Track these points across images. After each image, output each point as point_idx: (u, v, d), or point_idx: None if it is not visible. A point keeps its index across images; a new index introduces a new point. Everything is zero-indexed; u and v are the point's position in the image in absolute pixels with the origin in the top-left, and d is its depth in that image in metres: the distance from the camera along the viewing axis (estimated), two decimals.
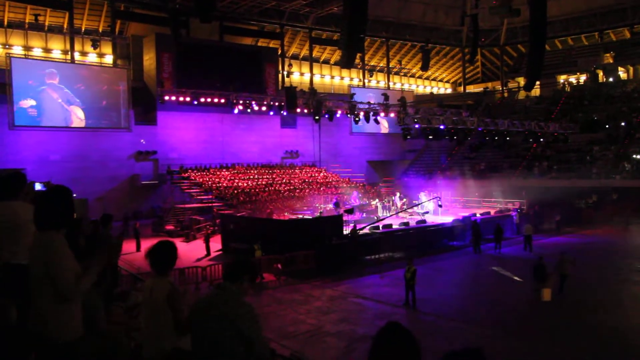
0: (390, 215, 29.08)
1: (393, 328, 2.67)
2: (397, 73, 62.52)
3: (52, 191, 3.99)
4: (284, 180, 39.82)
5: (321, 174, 43.97)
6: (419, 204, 32.09)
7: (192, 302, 4.13)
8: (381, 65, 58.23)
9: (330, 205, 32.37)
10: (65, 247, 3.66)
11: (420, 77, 66.71)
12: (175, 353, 4.06)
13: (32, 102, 34.60)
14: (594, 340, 12.60)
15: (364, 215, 29.85)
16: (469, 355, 2.44)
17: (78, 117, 36.48)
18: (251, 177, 39.30)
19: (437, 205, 31.06)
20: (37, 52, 39.72)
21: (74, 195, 4.00)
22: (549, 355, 11.91)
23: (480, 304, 16.25)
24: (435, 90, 68.06)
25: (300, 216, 29.67)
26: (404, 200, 33.66)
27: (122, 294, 6.99)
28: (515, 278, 19.57)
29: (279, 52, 48.83)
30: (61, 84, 35.67)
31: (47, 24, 38.95)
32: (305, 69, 53.80)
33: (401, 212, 31.21)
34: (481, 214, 30.62)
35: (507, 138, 39.84)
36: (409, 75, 65.43)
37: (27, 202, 4.68)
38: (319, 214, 27.99)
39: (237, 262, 4.01)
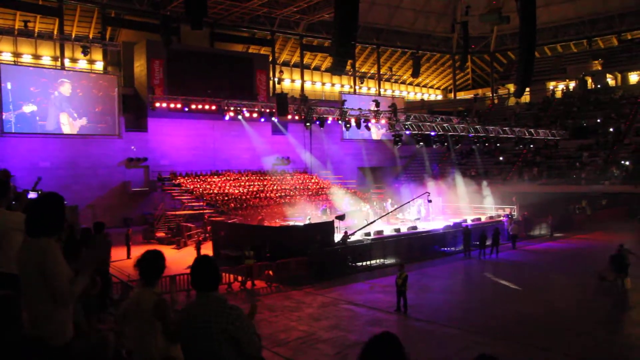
0: (379, 218, 29.04)
1: (384, 338, 2.68)
2: (388, 80, 62.79)
3: (45, 198, 3.97)
4: (275, 187, 39.77)
5: (312, 181, 43.97)
6: (407, 202, 32.02)
7: (180, 310, 4.09)
8: (372, 72, 58.43)
9: (319, 213, 32.33)
10: (58, 253, 3.69)
11: (410, 83, 67.03)
12: None
13: (34, 108, 34.58)
14: (591, 346, 12.65)
15: (355, 221, 29.85)
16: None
17: (68, 123, 36.41)
18: (242, 183, 39.21)
19: (427, 201, 30.97)
20: (27, 58, 39.53)
21: (65, 202, 3.97)
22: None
23: (472, 309, 16.26)
24: (425, 97, 68.38)
25: (292, 223, 29.61)
26: (395, 206, 33.66)
27: (113, 302, 6.95)
28: (504, 282, 19.67)
29: (270, 58, 48.89)
30: (57, 91, 35.70)
31: (36, 30, 38.74)
32: (296, 75, 53.92)
33: (390, 213, 31.17)
34: (472, 220, 30.72)
35: (498, 144, 40.06)
36: (399, 81, 65.74)
37: (19, 210, 4.64)
38: (307, 220, 27.96)
39: (211, 269, 3.90)
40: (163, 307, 4.18)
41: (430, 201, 30.65)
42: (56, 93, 35.76)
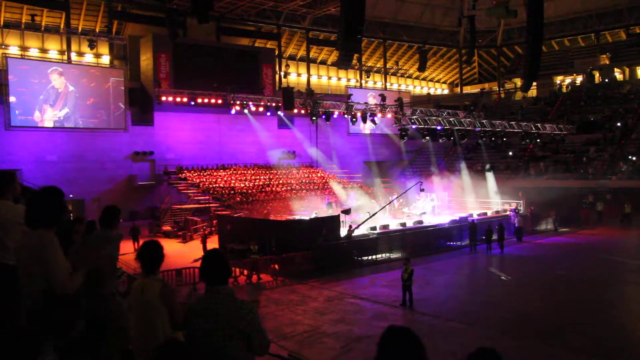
0: (380, 209, 29.01)
1: (402, 333, 2.67)
2: (394, 74, 62.57)
3: (43, 191, 4.06)
4: (281, 181, 39.80)
5: (318, 175, 43.96)
6: (404, 192, 31.95)
7: (188, 303, 4.14)
8: (378, 66, 58.24)
9: (323, 206, 32.34)
10: (57, 244, 3.76)
11: (417, 77, 66.78)
12: (170, 342, 4.06)
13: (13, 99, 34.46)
14: (593, 340, 12.61)
15: (361, 215, 29.85)
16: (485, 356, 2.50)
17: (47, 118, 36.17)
18: (248, 177, 39.29)
19: (419, 190, 30.90)
20: (34, 52, 39.66)
21: (70, 195, 4.03)
22: (546, 356, 11.93)
23: (477, 304, 16.25)
24: (432, 91, 68.11)
25: (297, 217, 29.65)
26: (402, 201, 33.65)
27: (120, 294, 6.97)
28: (509, 277, 19.68)
29: (276, 52, 48.86)
30: (58, 84, 35.72)
31: (43, 24, 38.81)
32: (303, 69, 53.83)
33: (390, 204, 31.14)
34: (478, 215, 30.68)
35: (504, 139, 39.92)
36: (405, 76, 65.49)
37: (21, 203, 4.62)
38: (314, 215, 27.98)
39: (220, 263, 3.95)
40: (169, 293, 4.25)
41: (422, 190, 30.54)
42: (55, 85, 35.75)
